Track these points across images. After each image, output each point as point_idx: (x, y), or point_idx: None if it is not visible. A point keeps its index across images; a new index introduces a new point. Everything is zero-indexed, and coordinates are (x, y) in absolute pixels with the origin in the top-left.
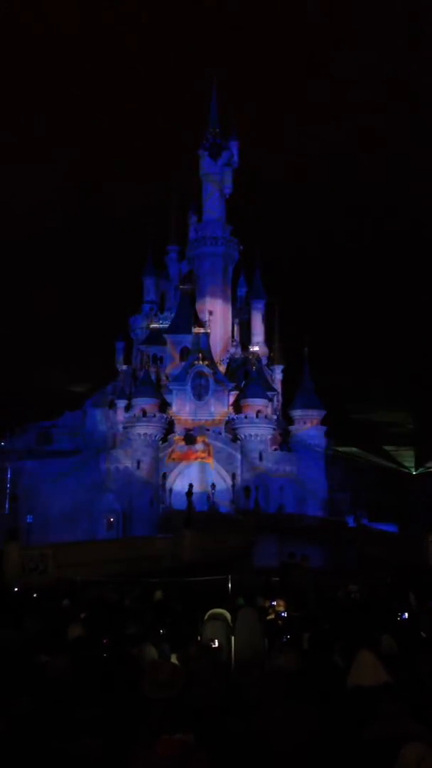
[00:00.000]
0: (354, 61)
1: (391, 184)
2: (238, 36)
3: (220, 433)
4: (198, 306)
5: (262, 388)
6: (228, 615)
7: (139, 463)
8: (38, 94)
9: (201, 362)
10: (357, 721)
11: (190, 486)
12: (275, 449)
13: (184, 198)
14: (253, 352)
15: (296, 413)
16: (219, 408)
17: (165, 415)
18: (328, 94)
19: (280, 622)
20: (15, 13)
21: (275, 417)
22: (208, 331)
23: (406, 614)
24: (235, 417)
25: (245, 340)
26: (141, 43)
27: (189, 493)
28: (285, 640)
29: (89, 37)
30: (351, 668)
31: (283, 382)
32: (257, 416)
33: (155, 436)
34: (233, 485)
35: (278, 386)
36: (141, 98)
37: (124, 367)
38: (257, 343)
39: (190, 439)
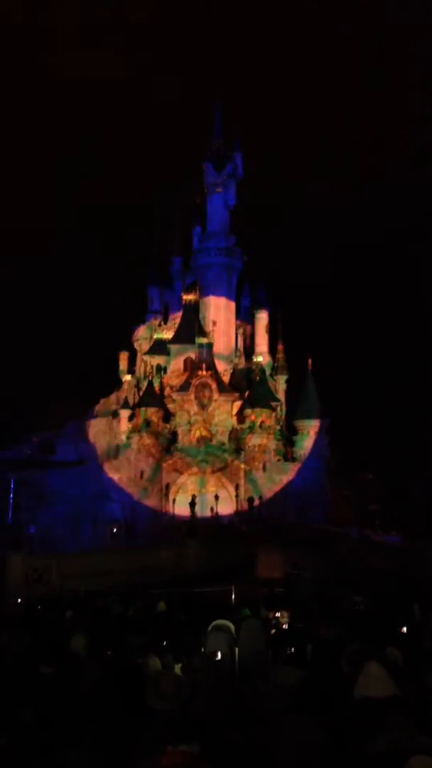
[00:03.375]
0: (359, 72)
1: (395, 192)
2: (243, 47)
3: (223, 443)
4: (202, 316)
5: (266, 397)
6: (232, 626)
7: (142, 473)
8: (41, 105)
9: (204, 372)
10: (364, 734)
11: (193, 496)
12: (279, 459)
13: (188, 209)
14: (257, 362)
15: (300, 423)
16: (222, 418)
17: (168, 425)
18: (333, 105)
19: (283, 633)
20: (26, 26)
21: (279, 427)
22: (212, 341)
23: (411, 625)
24: (238, 427)
25: (249, 350)
26: (146, 54)
27: (192, 504)
28: (289, 651)
29: (96, 49)
30: (358, 679)
31: (287, 391)
32: (261, 426)
33: (158, 446)
34: (236, 495)
35: (282, 396)
36: (145, 109)
37: (128, 377)
38: (261, 353)
39: (192, 449)
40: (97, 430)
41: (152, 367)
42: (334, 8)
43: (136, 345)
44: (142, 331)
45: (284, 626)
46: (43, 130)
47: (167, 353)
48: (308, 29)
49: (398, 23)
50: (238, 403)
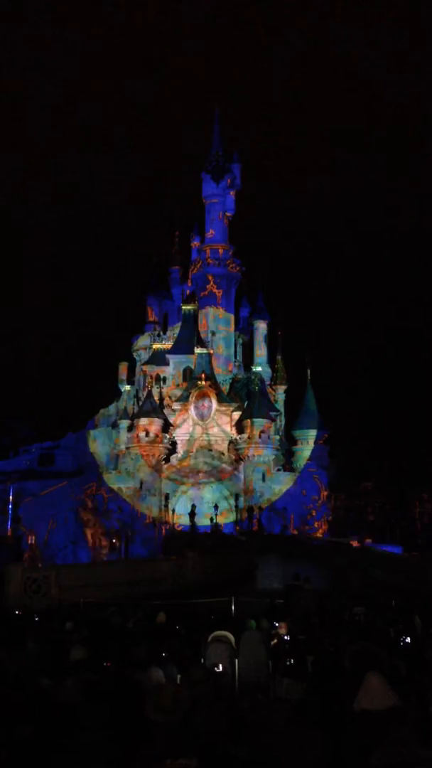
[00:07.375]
0: (357, 81)
1: (396, 200)
2: (240, 60)
3: (222, 453)
4: (200, 326)
5: (265, 408)
6: (232, 638)
7: (141, 483)
8: (44, 116)
9: (203, 382)
10: (364, 747)
11: (193, 507)
12: (278, 469)
13: (186, 219)
14: (256, 372)
15: (299, 433)
16: (222, 428)
17: (167, 436)
18: (331, 116)
19: (284, 645)
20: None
21: (278, 437)
22: (211, 351)
23: (413, 637)
24: (238, 437)
25: (248, 360)
26: (146, 66)
27: (192, 514)
28: (289, 663)
29: (99, 61)
30: (358, 692)
31: (286, 402)
32: (260, 436)
33: (158, 457)
34: (236, 506)
35: (281, 406)
36: (144, 121)
37: (127, 387)
38: (260, 363)
39: (192, 459)
40: (96, 441)
41: (151, 377)
42: (332, 19)
43: (135, 355)
44: (141, 342)
45: (285, 638)
46: (46, 136)
47: (166, 363)
48: (306, 41)
49: (396, 31)
50: (237, 414)
